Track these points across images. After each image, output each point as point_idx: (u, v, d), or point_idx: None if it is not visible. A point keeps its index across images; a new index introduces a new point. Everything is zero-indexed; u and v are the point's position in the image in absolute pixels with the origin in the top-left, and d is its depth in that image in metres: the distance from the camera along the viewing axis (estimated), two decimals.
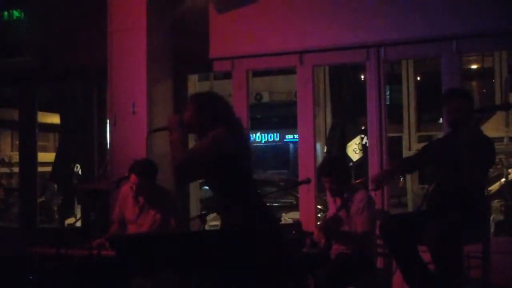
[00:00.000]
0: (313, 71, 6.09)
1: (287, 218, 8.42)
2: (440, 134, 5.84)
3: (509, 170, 10.17)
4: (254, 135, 19.65)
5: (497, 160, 9.12)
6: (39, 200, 8.55)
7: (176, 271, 4.04)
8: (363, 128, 7.46)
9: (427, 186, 4.60)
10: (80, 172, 7.72)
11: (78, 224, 7.00)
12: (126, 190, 4.99)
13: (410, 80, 14.29)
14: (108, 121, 6.59)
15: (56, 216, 10.33)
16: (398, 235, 4.08)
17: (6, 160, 16.90)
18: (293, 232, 4.64)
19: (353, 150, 7.84)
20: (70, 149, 7.77)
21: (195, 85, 7.21)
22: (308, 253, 4.61)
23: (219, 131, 3.06)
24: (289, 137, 20.28)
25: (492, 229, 7.22)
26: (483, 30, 5.36)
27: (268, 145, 21.19)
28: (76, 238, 4.83)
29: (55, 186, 10.03)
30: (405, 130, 14.57)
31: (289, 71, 11.55)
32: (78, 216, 7.63)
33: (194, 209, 6.74)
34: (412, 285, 4.10)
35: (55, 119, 10.25)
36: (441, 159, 4.14)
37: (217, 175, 3.09)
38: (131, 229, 4.94)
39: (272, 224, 3.24)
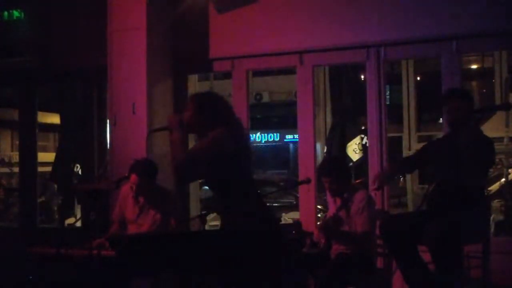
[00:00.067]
0: (313, 71, 6.09)
1: (287, 218, 8.42)
2: (440, 134, 5.84)
3: (509, 170, 10.16)
4: (254, 135, 19.65)
5: (497, 160, 9.12)
6: (39, 200, 8.55)
7: (176, 271, 4.05)
8: (363, 128, 7.46)
9: (427, 186, 4.60)
10: (80, 172, 7.72)
11: (78, 224, 7.00)
12: (126, 190, 4.99)
13: (410, 80, 14.26)
14: (108, 121, 6.59)
15: (56, 216, 10.33)
16: (398, 235, 4.08)
17: (6, 160, 16.90)
18: (293, 232, 4.64)
19: (353, 150, 7.83)
20: (70, 149, 7.77)
21: (195, 85, 7.21)
22: (308, 253, 4.61)
23: (219, 131, 3.06)
24: (289, 137, 20.28)
25: (492, 229, 7.22)
26: (483, 30, 5.37)
27: (268, 145, 21.20)
28: (76, 238, 4.82)
29: (55, 186, 10.02)
30: (405, 130, 14.53)
31: (289, 71, 11.55)
32: (78, 216, 7.63)
33: (194, 209, 6.74)
34: (412, 285, 4.10)
35: (55, 119, 10.25)
36: (441, 159, 4.14)
37: (217, 175, 3.09)
38: (131, 229, 4.94)
39: (272, 224, 3.24)
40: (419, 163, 4.56)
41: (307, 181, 5.12)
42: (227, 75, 7.15)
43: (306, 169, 5.92)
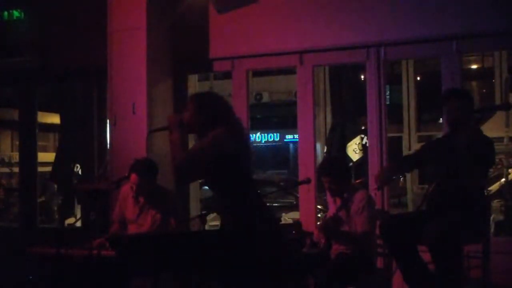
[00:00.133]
0: (313, 71, 6.09)
1: (287, 218, 8.42)
2: (440, 134, 5.84)
3: (509, 170, 10.16)
4: (254, 135, 19.65)
5: (497, 160, 9.11)
6: (39, 200, 8.55)
7: (176, 271, 4.05)
8: (363, 128, 7.46)
9: (427, 186, 4.60)
10: (80, 172, 7.72)
11: (78, 224, 7.00)
12: (126, 190, 4.99)
13: (410, 80, 14.29)
14: (108, 121, 6.59)
15: (56, 216, 10.33)
16: (398, 235, 4.08)
17: (6, 160, 16.91)
18: (293, 232, 4.64)
19: (353, 150, 7.84)
20: (70, 149, 7.77)
21: (195, 85, 7.21)
22: (308, 253, 4.61)
23: (219, 131, 3.06)
24: (289, 137, 20.28)
25: (492, 229, 7.22)
26: (483, 30, 5.36)
27: (268, 145, 21.19)
28: (76, 238, 4.82)
29: (55, 186, 10.03)
30: (405, 130, 14.56)
31: (289, 71, 11.55)
32: (78, 216, 7.63)
33: (194, 209, 6.74)
34: (412, 285, 4.10)
35: (55, 119, 10.25)
36: (441, 159, 4.14)
37: (217, 175, 3.09)
38: (132, 229, 4.94)
39: (272, 224, 3.24)
40: (418, 163, 4.56)
41: (307, 181, 5.12)
42: (227, 75, 7.15)
43: (306, 169, 5.92)
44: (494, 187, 9.92)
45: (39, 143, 8.33)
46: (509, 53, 12.55)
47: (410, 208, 11.97)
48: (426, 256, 4.00)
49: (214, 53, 6.29)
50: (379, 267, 4.63)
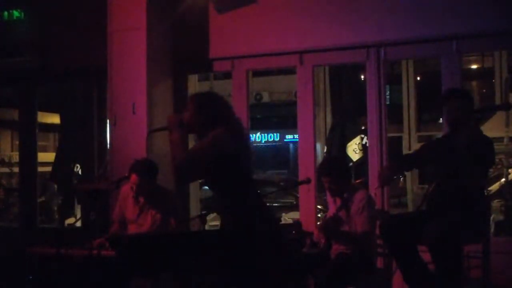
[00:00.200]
0: (313, 71, 6.09)
1: (287, 218, 8.42)
2: (440, 134, 5.83)
3: (509, 170, 10.16)
4: (254, 135, 19.64)
5: (497, 160, 9.12)
6: (39, 200, 8.55)
7: (176, 271, 4.05)
8: (363, 128, 7.45)
9: (427, 186, 4.60)
10: (80, 172, 7.72)
11: (78, 224, 7.00)
12: (126, 190, 4.99)
13: (410, 80, 14.29)
14: (108, 121, 6.58)
15: (56, 216, 10.33)
16: (398, 235, 4.09)
17: (6, 160, 16.89)
18: (293, 232, 4.64)
19: (353, 150, 7.83)
20: (70, 149, 7.77)
21: (195, 85, 7.21)
22: (308, 253, 4.61)
23: (219, 131, 3.06)
24: (289, 137, 20.27)
25: (492, 229, 7.22)
26: (483, 30, 5.36)
27: (268, 145, 21.19)
28: (76, 238, 4.82)
29: (55, 186, 10.03)
30: (405, 130, 14.56)
31: (289, 71, 11.55)
32: (78, 216, 7.63)
33: (194, 209, 6.74)
34: (412, 285, 4.10)
35: (55, 119, 10.26)
36: (441, 159, 4.14)
37: (217, 175, 3.09)
38: (132, 229, 4.94)
39: (272, 224, 3.24)
40: (418, 162, 4.56)
41: (307, 181, 5.12)
42: (227, 75, 7.15)
43: (306, 169, 5.92)
44: (494, 187, 9.92)
45: (39, 143, 8.32)
46: (509, 53, 12.55)
47: (410, 208, 11.96)
48: (426, 256, 4.00)
49: (214, 53, 6.29)
50: (379, 267, 4.63)
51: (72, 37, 6.88)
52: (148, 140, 5.37)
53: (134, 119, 6.09)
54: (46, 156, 11.66)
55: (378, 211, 5.01)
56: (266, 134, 21.10)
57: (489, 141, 4.06)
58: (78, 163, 7.82)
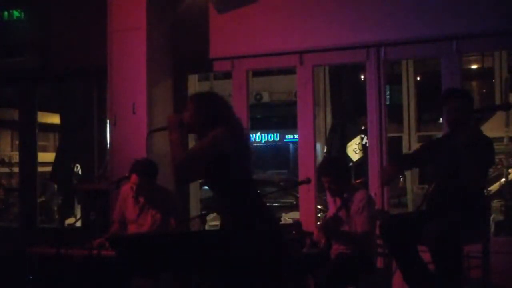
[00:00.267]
0: (313, 71, 6.09)
1: (287, 218, 8.42)
2: (440, 134, 5.83)
3: (509, 170, 10.15)
4: (254, 135, 19.64)
5: (497, 160, 9.12)
6: (39, 200, 8.55)
7: (176, 271, 4.04)
8: (363, 128, 7.46)
9: (427, 186, 4.60)
10: (80, 172, 7.72)
11: (78, 224, 6.99)
12: (127, 190, 4.99)
13: (410, 80, 14.27)
14: (108, 121, 6.59)
15: (56, 216, 10.33)
16: (398, 235, 4.08)
17: (6, 160, 16.90)
18: (293, 232, 4.64)
19: (353, 150, 7.84)
20: (70, 149, 7.77)
21: (195, 85, 7.21)
22: (308, 253, 4.61)
23: (219, 131, 3.06)
24: (289, 137, 20.27)
25: (492, 229, 7.22)
26: (483, 30, 5.36)
27: (268, 145, 21.19)
28: (76, 238, 4.82)
29: (55, 186, 10.03)
30: (405, 130, 14.54)
31: (289, 71, 11.54)
32: (78, 216, 7.63)
33: (194, 209, 6.74)
34: (412, 285, 4.10)
35: (55, 119, 10.25)
36: (441, 159, 4.14)
37: (217, 175, 3.09)
38: (132, 229, 4.95)
39: (272, 224, 3.24)
40: (418, 161, 4.56)
41: (307, 181, 5.12)
42: (227, 75, 7.15)
43: (306, 169, 5.92)
44: (494, 187, 9.92)
45: (39, 143, 8.32)
46: (509, 53, 12.54)
47: (410, 208, 11.96)
48: (426, 256, 4.00)
49: (214, 53, 6.29)
50: (379, 267, 4.63)
51: (72, 37, 6.89)
52: (148, 140, 5.36)
53: (134, 119, 6.09)
54: (46, 156, 11.68)
55: (378, 211, 5.01)
56: (266, 134, 21.10)
57: (489, 141, 4.06)
58: (78, 163, 7.82)
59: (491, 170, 6.27)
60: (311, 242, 4.67)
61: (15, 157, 12.90)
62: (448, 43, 5.50)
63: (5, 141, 20.09)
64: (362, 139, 7.78)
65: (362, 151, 7.75)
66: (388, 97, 11.39)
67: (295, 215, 7.74)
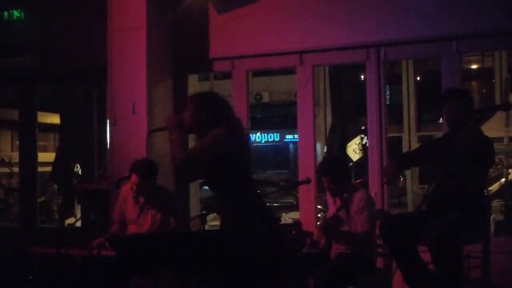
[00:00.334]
0: (313, 71, 6.09)
1: (287, 218, 8.41)
2: (440, 134, 5.84)
3: (509, 170, 10.15)
4: (254, 135, 19.64)
5: (497, 160, 9.11)
6: (39, 200, 8.54)
7: (176, 271, 4.05)
8: (363, 128, 7.45)
9: (427, 186, 4.60)
10: (80, 172, 7.72)
11: (78, 224, 6.99)
12: (127, 190, 4.99)
13: (410, 80, 14.26)
14: (108, 121, 6.58)
15: (56, 216, 10.32)
16: (398, 235, 4.09)
17: (6, 160, 16.90)
18: (293, 232, 4.64)
19: (353, 150, 7.83)
20: (70, 149, 7.77)
21: (195, 85, 7.21)
22: (308, 253, 4.61)
23: (219, 131, 3.06)
24: (289, 137, 20.27)
25: (492, 229, 7.22)
26: (483, 30, 5.36)
27: (268, 145, 21.19)
28: (76, 238, 4.82)
29: (55, 186, 10.02)
30: (405, 130, 14.54)
31: (289, 71, 11.55)
32: (78, 216, 7.63)
33: (194, 209, 6.74)
34: (412, 285, 4.10)
35: (55, 119, 10.25)
36: (441, 159, 4.14)
37: (217, 175, 3.09)
38: (132, 229, 4.95)
39: (272, 224, 3.24)
40: (418, 160, 4.56)
41: (307, 181, 5.12)
42: (227, 75, 7.15)
43: (306, 169, 5.92)
44: (494, 187, 9.92)
45: (39, 143, 8.32)
46: (509, 53, 12.54)
47: (410, 208, 11.96)
48: (426, 256, 4.00)
49: (214, 53, 6.29)
50: (379, 267, 4.63)
51: (72, 37, 6.89)
52: (148, 140, 5.37)
53: (134, 119, 6.09)
54: (46, 156, 11.67)
55: (378, 211, 5.01)
56: (266, 134, 21.10)
57: (489, 141, 4.06)
58: (78, 163, 7.82)
59: (491, 170, 6.27)
60: (311, 242, 4.67)
61: (15, 157, 12.91)
62: (448, 43, 5.50)
63: (5, 141, 20.10)
64: (362, 139, 7.77)
65: (362, 151, 7.74)
66: (388, 97, 11.39)
67: (295, 215, 7.74)
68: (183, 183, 5.58)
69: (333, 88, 9.40)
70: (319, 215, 6.95)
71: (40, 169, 7.93)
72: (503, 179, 10.02)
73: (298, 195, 6.60)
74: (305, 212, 5.96)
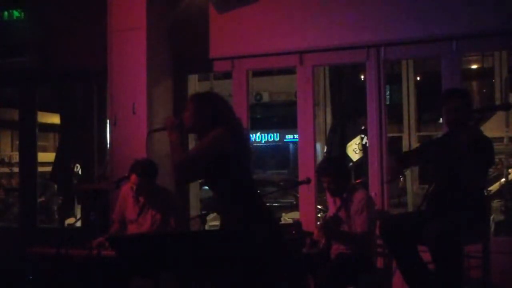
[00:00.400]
0: (313, 71, 6.08)
1: (287, 218, 8.42)
2: (440, 134, 5.84)
3: (509, 170, 10.16)
4: (254, 135, 19.65)
5: (497, 160, 9.12)
6: (39, 200, 8.55)
7: (176, 271, 4.04)
8: (363, 128, 7.45)
9: (427, 186, 4.60)
10: (80, 172, 7.72)
11: (78, 224, 7.00)
12: (127, 190, 4.99)
13: (410, 80, 14.28)
14: (108, 121, 6.58)
15: (56, 216, 10.33)
16: (398, 235, 4.09)
17: (6, 160, 16.91)
18: (293, 232, 4.64)
19: (353, 150, 7.83)
20: (70, 149, 7.77)
21: (195, 85, 7.21)
22: (308, 253, 4.61)
23: (219, 131, 3.06)
24: (289, 137, 20.29)
25: (492, 229, 7.22)
26: (483, 30, 5.36)
27: (268, 145, 21.20)
28: (76, 238, 4.82)
29: (55, 186, 10.02)
30: (405, 130, 14.56)
31: (289, 71, 11.55)
32: (78, 216, 7.63)
33: (194, 209, 6.74)
34: (412, 285, 4.10)
35: (55, 119, 10.24)
36: (441, 159, 4.14)
37: (217, 175, 3.10)
38: (132, 229, 4.94)
39: (272, 224, 3.24)
40: (419, 160, 4.56)
41: (307, 181, 5.12)
42: (227, 75, 7.15)
43: (306, 169, 5.92)
44: (494, 187, 9.92)
45: (39, 143, 8.32)
46: (509, 53, 12.54)
47: (410, 208, 11.97)
48: (426, 256, 4.00)
49: (214, 53, 6.29)
50: (379, 267, 4.63)
51: (72, 37, 6.88)
52: (148, 140, 5.36)
53: (134, 119, 6.09)
54: (46, 156, 11.68)
55: (378, 211, 5.01)
56: (266, 134, 21.11)
57: (489, 141, 4.06)
58: (78, 163, 7.81)
59: (491, 170, 6.28)
60: (311, 242, 4.67)
61: (15, 157, 12.92)
62: (448, 43, 5.50)
63: (5, 141, 20.11)
64: (362, 139, 7.77)
65: (362, 151, 7.74)
66: (388, 97, 11.39)
67: (295, 215, 7.74)
68: (183, 183, 5.60)
69: (333, 88, 9.40)
70: (319, 215, 6.95)
71: (40, 169, 7.93)
72: (503, 179, 10.03)
73: (298, 195, 6.60)
74: (305, 212, 5.96)
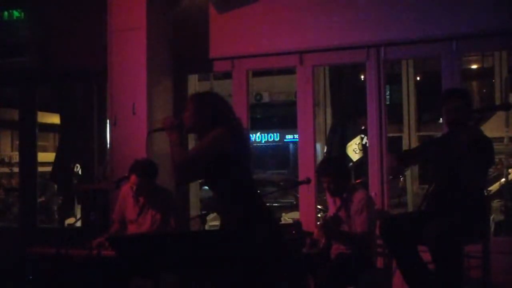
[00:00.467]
0: (313, 71, 6.08)
1: (287, 218, 8.42)
2: (440, 134, 5.84)
3: (509, 170, 10.16)
4: (254, 135, 19.66)
5: (497, 160, 9.13)
6: (39, 200, 8.54)
7: (176, 271, 4.04)
8: (363, 128, 7.45)
9: (427, 186, 4.60)
10: (80, 172, 7.71)
11: (78, 224, 7.00)
12: (126, 190, 4.99)
13: (410, 80, 14.30)
14: (108, 121, 6.58)
15: (56, 216, 10.33)
16: (398, 235, 4.09)
17: (6, 160, 16.92)
18: (293, 232, 4.64)
19: (353, 150, 7.82)
20: (70, 149, 7.76)
21: (195, 85, 7.21)
22: (308, 253, 4.61)
23: (219, 131, 3.06)
24: (289, 137, 20.30)
25: (492, 229, 7.22)
26: (483, 30, 5.36)
27: (268, 145, 21.21)
28: (76, 238, 4.82)
29: (55, 186, 10.02)
30: (405, 130, 14.58)
31: (289, 71, 11.56)
32: (78, 216, 7.63)
33: (194, 209, 6.74)
34: (412, 285, 4.10)
35: (55, 119, 10.24)
36: (441, 159, 4.14)
37: (217, 175, 3.10)
38: (131, 229, 4.95)
39: (272, 224, 3.24)
40: (419, 160, 4.56)
41: (307, 181, 5.12)
42: (227, 75, 7.15)
43: (306, 169, 5.92)
44: (494, 187, 9.92)
45: (39, 143, 8.31)
46: (509, 53, 12.56)
47: (410, 208, 11.97)
48: (426, 256, 4.00)
49: (214, 53, 6.29)
50: (379, 267, 4.63)
51: (72, 37, 6.88)
52: (148, 140, 5.36)
53: (134, 119, 6.08)
54: (46, 156, 11.68)
55: (378, 211, 5.01)
56: (266, 134, 21.12)
57: (489, 141, 4.07)
58: (78, 163, 7.81)
59: (491, 170, 6.28)
60: (311, 242, 4.67)
61: (15, 157, 12.93)
62: (448, 43, 5.50)
63: (5, 141, 20.12)
64: (362, 139, 7.77)
65: (362, 151, 7.73)
66: (388, 97, 11.39)
67: (295, 215, 7.74)
68: (183, 183, 5.60)
69: (333, 88, 9.40)
70: (319, 215, 6.95)
71: (40, 169, 7.92)
72: (503, 179, 10.03)
73: (298, 195, 6.60)
74: (305, 212, 5.96)
